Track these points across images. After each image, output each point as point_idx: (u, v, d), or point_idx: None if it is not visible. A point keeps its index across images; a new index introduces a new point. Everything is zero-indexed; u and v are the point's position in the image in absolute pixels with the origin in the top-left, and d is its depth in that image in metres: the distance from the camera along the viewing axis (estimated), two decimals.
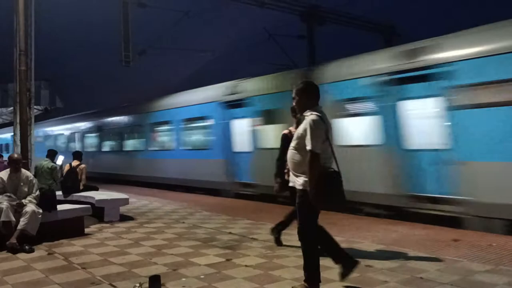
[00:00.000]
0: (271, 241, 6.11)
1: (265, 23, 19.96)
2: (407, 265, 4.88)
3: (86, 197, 8.73)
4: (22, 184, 6.49)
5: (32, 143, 8.94)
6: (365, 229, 6.93)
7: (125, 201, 8.71)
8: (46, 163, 8.80)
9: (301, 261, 5.08)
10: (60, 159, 10.53)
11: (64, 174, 9.43)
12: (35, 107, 9.22)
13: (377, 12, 24.89)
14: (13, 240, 5.86)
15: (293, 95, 4.16)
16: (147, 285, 4.19)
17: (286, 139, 5.37)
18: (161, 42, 19.76)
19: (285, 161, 4.66)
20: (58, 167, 9.52)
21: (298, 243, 6.00)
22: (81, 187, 9.33)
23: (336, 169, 3.97)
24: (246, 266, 4.97)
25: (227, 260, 5.24)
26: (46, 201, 6.70)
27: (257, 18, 21.82)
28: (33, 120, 9.11)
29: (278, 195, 6.24)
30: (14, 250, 5.77)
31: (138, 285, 4.32)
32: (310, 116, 3.90)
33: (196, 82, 15.07)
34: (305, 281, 4.03)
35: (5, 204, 6.06)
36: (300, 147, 3.93)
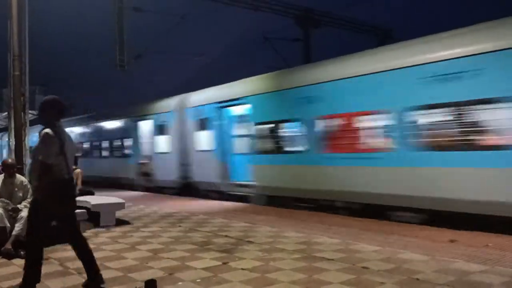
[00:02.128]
0: (267, 244, 6.10)
1: (260, 27, 20.00)
2: (403, 266, 4.88)
3: (81, 201, 8.66)
4: (16, 189, 6.44)
5: (27, 148, 8.88)
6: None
7: (121, 206, 8.66)
8: None
9: (297, 264, 5.09)
10: None
11: None
12: (30, 112, 9.14)
13: (375, 15, 25.00)
14: (8, 246, 5.80)
15: (37, 111, 4.48)
16: None
17: None
18: (157, 46, 19.79)
19: None
20: None
21: (295, 245, 5.98)
22: (77, 192, 9.28)
23: (68, 177, 4.32)
24: (242, 269, 4.95)
25: (224, 263, 5.23)
26: None
27: (252, 21, 21.88)
28: (28, 125, 9.05)
29: None
30: (9, 256, 5.71)
31: None
32: (44, 130, 4.22)
33: (193, 85, 15.15)
34: (23, 280, 4.24)
35: None
36: (36, 159, 4.26)
